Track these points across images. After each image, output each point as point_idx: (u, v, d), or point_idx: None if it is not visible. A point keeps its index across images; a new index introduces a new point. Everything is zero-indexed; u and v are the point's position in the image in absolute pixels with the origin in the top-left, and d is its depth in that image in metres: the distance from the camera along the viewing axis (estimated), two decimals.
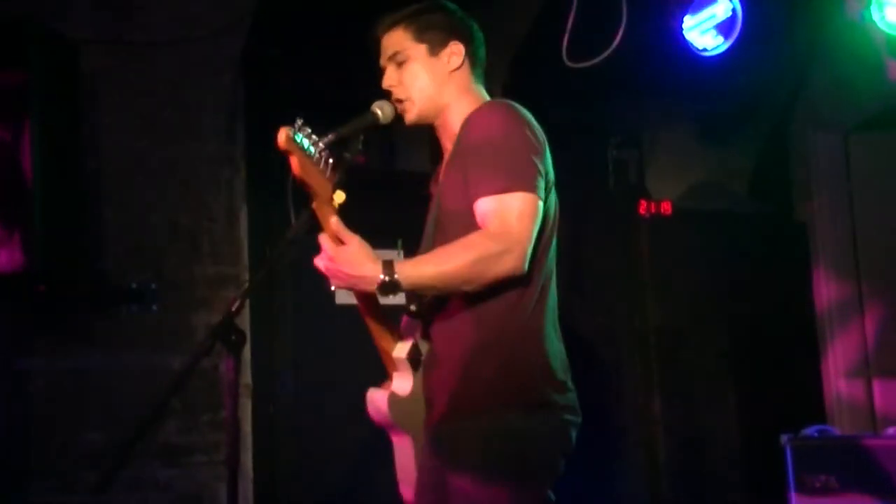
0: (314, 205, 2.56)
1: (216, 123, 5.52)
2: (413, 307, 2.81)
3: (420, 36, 2.83)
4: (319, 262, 2.62)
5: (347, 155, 2.68)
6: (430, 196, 2.97)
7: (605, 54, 4.90)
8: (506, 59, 6.07)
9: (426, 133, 3.03)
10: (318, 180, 2.55)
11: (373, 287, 2.51)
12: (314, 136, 2.64)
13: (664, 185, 7.18)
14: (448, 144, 2.87)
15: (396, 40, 2.84)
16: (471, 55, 2.89)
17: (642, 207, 6.80)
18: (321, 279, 7.62)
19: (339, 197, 2.72)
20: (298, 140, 2.47)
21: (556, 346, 2.67)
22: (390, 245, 7.05)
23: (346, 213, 2.81)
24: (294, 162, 2.49)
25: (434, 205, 2.80)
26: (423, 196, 3.04)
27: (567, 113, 6.39)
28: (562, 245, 2.79)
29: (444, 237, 2.66)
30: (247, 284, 5.23)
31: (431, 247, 2.70)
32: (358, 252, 2.56)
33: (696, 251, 6.88)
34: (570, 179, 3.32)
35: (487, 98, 2.92)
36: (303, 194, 2.69)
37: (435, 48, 2.84)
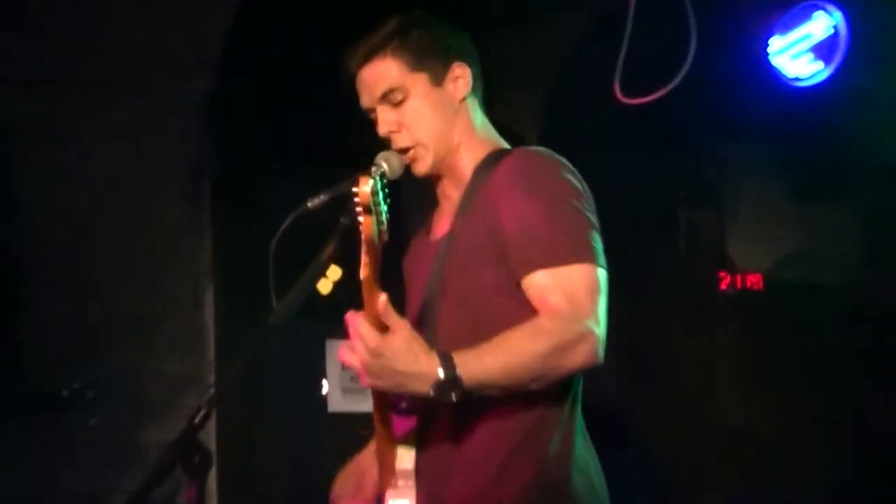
0: (364, 276, 2.54)
1: (177, 180, 5.61)
2: (404, 404, 2.83)
3: (417, 63, 2.83)
4: (350, 355, 2.56)
5: (344, 220, 2.72)
6: (417, 256, 3.01)
7: (670, 86, 4.96)
8: (535, 95, 6.17)
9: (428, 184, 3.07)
10: (377, 253, 2.53)
11: (426, 387, 2.44)
12: (383, 166, 2.70)
13: (751, 252, 7.19)
14: (453, 192, 2.91)
15: (385, 73, 2.84)
16: (474, 76, 2.93)
17: (723, 281, 6.81)
18: (308, 380, 7.57)
19: (334, 273, 2.76)
20: (381, 197, 2.44)
21: (590, 455, 2.71)
22: None
23: (344, 293, 2.86)
24: (367, 224, 2.46)
25: (432, 269, 2.81)
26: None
27: (622, 161, 6.46)
28: (617, 328, 2.82)
29: (463, 315, 2.68)
30: (213, 389, 5.25)
31: (433, 327, 2.72)
32: (409, 343, 2.48)
33: (793, 336, 6.86)
34: (626, 246, 3.35)
35: (497, 135, 2.98)
36: (288, 269, 2.73)
37: (437, 75, 2.85)
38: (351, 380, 6.90)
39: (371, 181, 2.38)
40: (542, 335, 2.55)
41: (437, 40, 2.93)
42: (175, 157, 5.61)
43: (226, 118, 5.84)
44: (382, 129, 2.93)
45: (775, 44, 5.77)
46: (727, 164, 7.13)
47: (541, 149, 2.88)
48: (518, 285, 2.70)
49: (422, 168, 2.95)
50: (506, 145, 3.02)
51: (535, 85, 6.12)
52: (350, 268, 2.73)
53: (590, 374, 2.76)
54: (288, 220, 2.78)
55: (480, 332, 2.65)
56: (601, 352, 2.63)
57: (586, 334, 2.58)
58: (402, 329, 2.50)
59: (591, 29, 6.03)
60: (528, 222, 2.68)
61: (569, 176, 2.79)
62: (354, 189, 2.39)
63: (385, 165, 2.81)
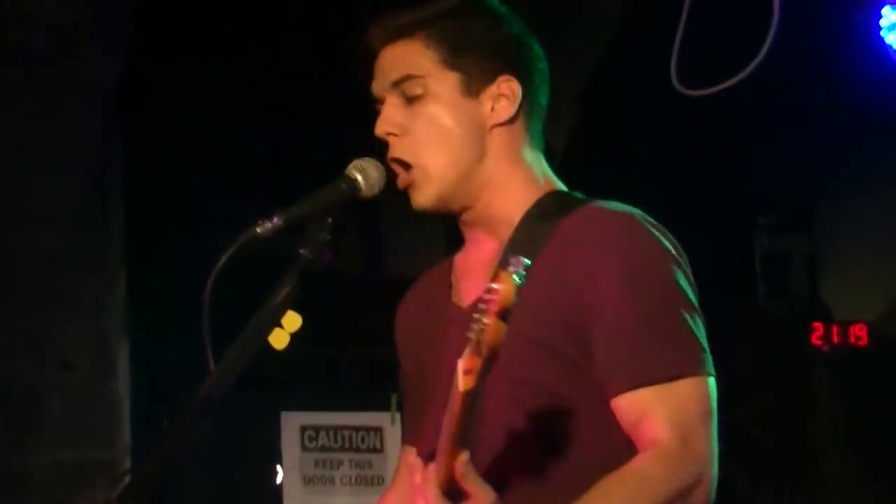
0: (465, 389, 2.53)
1: (74, 198, 5.64)
2: None
3: (452, 59, 2.86)
4: None
5: (305, 252, 2.70)
6: (443, 322, 2.98)
7: (747, 71, 4.97)
8: (572, 92, 6.23)
9: (437, 219, 3.06)
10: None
11: None
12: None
13: (854, 297, 7.23)
14: (487, 240, 2.88)
15: (411, 57, 2.87)
16: (528, 100, 2.88)
17: (817, 334, 6.85)
18: (258, 466, 7.59)
19: (292, 322, 2.77)
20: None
21: None
22: (379, 405, 7.06)
23: (306, 348, 2.88)
24: (499, 332, 2.42)
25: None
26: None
27: (681, 172, 6.50)
28: None
29: (518, 415, 2.65)
30: (129, 479, 5.26)
31: (477, 423, 2.70)
32: None
33: None
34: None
35: (554, 176, 2.96)
36: (229, 319, 2.74)
37: (474, 82, 2.87)
38: (315, 466, 6.92)
39: (515, 276, 2.32)
40: (653, 487, 2.60)
41: (491, 38, 2.90)
42: (74, 160, 5.63)
43: (142, 108, 5.87)
44: (380, 128, 2.89)
45: (888, 17, 5.83)
46: (823, 177, 7.18)
47: (633, 211, 2.82)
48: (602, 398, 2.69)
49: (421, 199, 2.90)
50: (562, 186, 3.00)
51: (564, 77, 6.16)
52: (312, 314, 2.74)
53: None
54: (229, 253, 2.76)
55: (540, 441, 2.68)
56: (713, 496, 2.69)
57: (703, 476, 2.66)
58: (487, 498, 2.49)
59: (639, 4, 6.10)
60: (623, 316, 2.67)
61: (669, 247, 2.80)
62: (494, 286, 2.32)
63: (360, 178, 2.80)
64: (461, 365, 2.43)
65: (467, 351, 2.41)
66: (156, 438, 5.40)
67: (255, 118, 6.43)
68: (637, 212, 2.86)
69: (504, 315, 2.34)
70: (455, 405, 2.45)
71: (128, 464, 5.51)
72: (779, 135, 6.71)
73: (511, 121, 2.92)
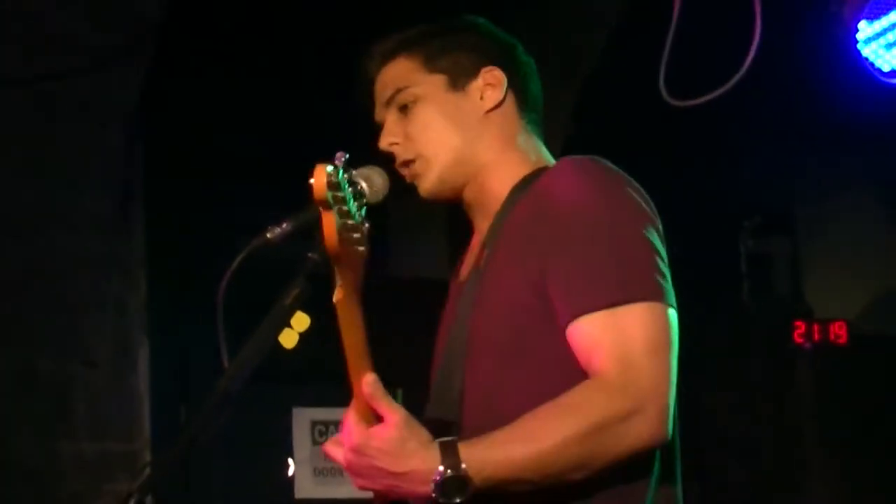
0: (338, 303, 2.52)
1: (99, 205, 5.64)
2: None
3: (433, 63, 2.92)
4: (336, 449, 2.59)
5: (313, 255, 2.71)
6: (447, 301, 2.99)
7: (730, 84, 4.99)
8: (566, 102, 6.22)
9: (439, 221, 3.08)
10: (355, 264, 2.51)
11: (426, 488, 2.43)
12: (361, 185, 2.64)
13: (834, 296, 7.23)
14: (483, 223, 2.90)
15: (396, 73, 2.93)
16: (517, 88, 2.92)
17: (799, 332, 6.84)
18: (271, 459, 7.58)
19: (301, 322, 2.78)
20: (344, 189, 2.41)
21: None
22: None
23: (315, 347, 2.88)
24: (328, 223, 2.43)
25: (457, 314, 2.80)
26: (434, 314, 3.07)
27: (669, 179, 6.49)
28: None
29: (497, 371, 2.66)
30: (149, 471, 5.26)
31: (461, 388, 2.70)
32: (403, 435, 2.47)
33: (889, 402, 6.88)
34: (677, 287, 3.34)
35: (551, 157, 2.96)
36: (242, 319, 2.75)
37: (459, 78, 2.93)
38: (326, 459, 6.90)
39: (323, 169, 2.37)
40: (579, 412, 2.51)
41: (468, 39, 2.95)
42: (97, 173, 5.63)
43: (163, 124, 5.86)
44: (383, 141, 2.93)
45: (864, 30, 5.82)
46: (803, 183, 7.17)
47: (591, 157, 2.85)
48: (562, 332, 2.64)
49: (424, 184, 2.93)
50: (553, 162, 3.01)
51: (561, 88, 6.16)
52: (320, 315, 2.74)
53: None
54: (241, 257, 2.77)
55: (521, 393, 2.63)
56: (667, 425, 2.52)
57: (641, 406, 2.52)
58: (393, 417, 2.48)
59: (629, 17, 6.09)
60: (569, 253, 2.62)
61: (631, 191, 2.77)
62: (310, 182, 2.39)
63: (365, 185, 2.82)
64: (337, 283, 2.49)
65: (335, 270, 2.48)
66: (175, 432, 5.41)
67: (269, 130, 6.44)
68: (603, 160, 2.85)
69: (326, 204, 2.39)
70: (339, 324, 2.48)
71: (148, 456, 5.51)
72: (762, 143, 6.71)
73: (501, 105, 2.95)
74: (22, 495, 5.35)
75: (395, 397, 3.05)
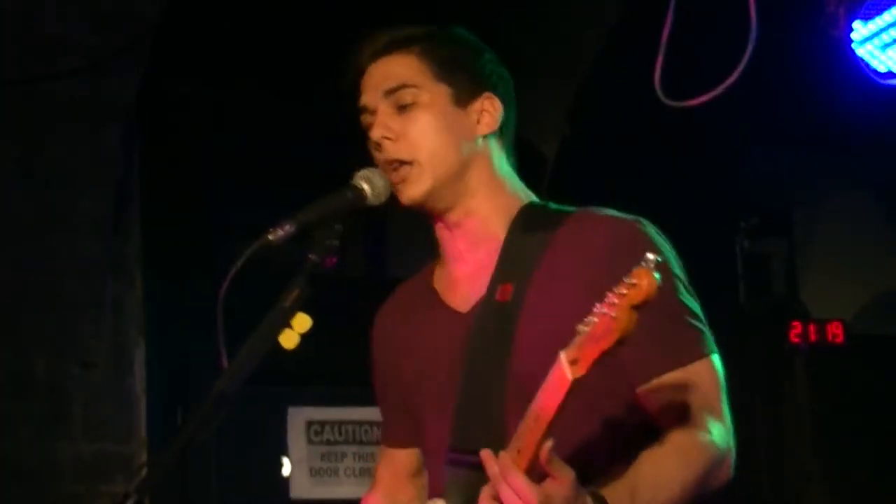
0: (574, 383, 2.63)
1: (95, 205, 5.63)
2: None
3: (444, 73, 2.92)
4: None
5: (313, 256, 2.70)
6: (435, 324, 2.99)
7: (726, 85, 4.98)
8: (562, 102, 6.22)
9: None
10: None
11: None
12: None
13: (831, 296, 7.23)
14: (471, 253, 2.88)
15: (405, 69, 2.92)
16: (506, 122, 2.98)
17: (795, 332, 6.84)
18: (267, 458, 7.53)
19: (301, 323, 2.77)
20: None
21: None
22: None
23: (311, 347, 2.87)
24: (630, 324, 2.56)
25: (470, 348, 2.78)
26: None
27: (666, 179, 6.49)
28: None
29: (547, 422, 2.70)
30: (146, 471, 5.26)
31: (501, 426, 2.71)
32: (575, 493, 2.56)
33: (880, 400, 6.89)
34: None
35: (527, 189, 3.01)
36: (241, 320, 2.74)
37: (462, 96, 2.93)
38: (321, 459, 6.91)
39: (655, 273, 2.43)
40: (696, 458, 2.71)
41: (475, 60, 2.97)
42: (95, 174, 5.62)
43: (160, 123, 5.86)
44: (376, 132, 2.91)
45: (859, 31, 5.82)
46: (799, 183, 7.17)
47: (639, 219, 2.88)
48: (629, 387, 2.76)
49: (413, 191, 2.92)
50: (535, 198, 3.02)
51: (556, 91, 6.17)
52: (321, 316, 2.74)
53: None
54: (243, 259, 2.76)
55: (573, 442, 2.70)
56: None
57: (728, 449, 2.79)
58: (568, 476, 2.53)
59: (627, 17, 6.09)
60: (650, 312, 2.72)
61: (670, 247, 2.88)
62: (633, 281, 2.45)
63: (366, 186, 2.81)
64: (565, 356, 2.48)
65: (576, 341, 2.48)
66: (171, 433, 5.40)
67: (265, 132, 6.43)
68: (643, 219, 2.93)
69: (639, 306, 2.43)
70: (557, 393, 2.50)
71: (144, 457, 5.51)
72: (758, 144, 6.71)
73: (492, 134, 2.96)
74: (19, 496, 5.35)
75: None
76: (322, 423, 6.96)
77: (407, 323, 3.11)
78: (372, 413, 2.79)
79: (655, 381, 2.76)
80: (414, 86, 2.89)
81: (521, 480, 2.55)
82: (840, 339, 6.85)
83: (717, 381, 2.82)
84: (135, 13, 5.57)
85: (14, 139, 5.54)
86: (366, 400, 3.00)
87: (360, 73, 2.97)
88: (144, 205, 5.80)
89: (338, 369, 7.11)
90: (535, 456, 2.53)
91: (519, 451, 2.55)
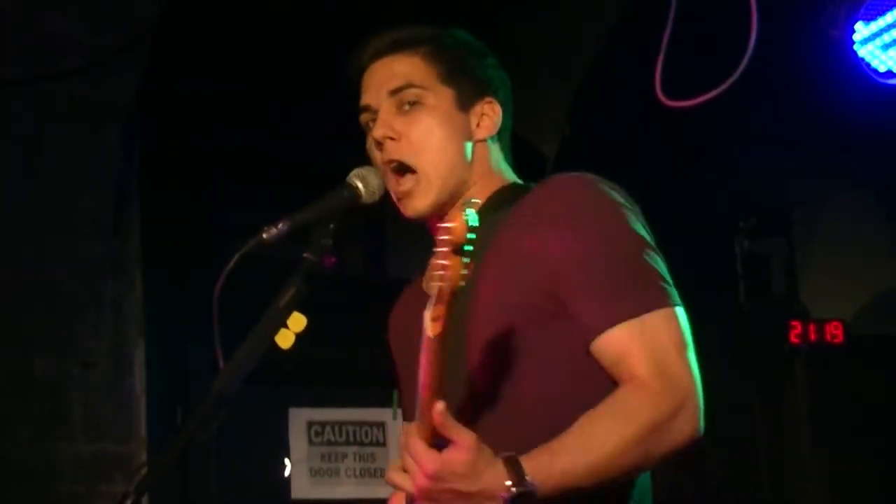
0: (437, 338, 2.56)
1: (95, 205, 5.63)
2: None
3: (450, 76, 2.94)
4: (402, 477, 2.62)
5: (309, 255, 2.70)
6: (403, 308, 3.01)
7: (727, 84, 4.99)
8: (562, 102, 6.22)
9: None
10: (453, 306, 2.57)
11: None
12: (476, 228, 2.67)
13: (830, 296, 7.22)
14: None
15: (411, 69, 2.93)
16: (505, 124, 3.03)
17: (795, 332, 6.84)
18: (267, 459, 7.53)
19: (297, 322, 2.76)
20: (474, 236, 2.48)
21: None
22: (381, 401, 7.07)
23: (311, 348, 2.87)
24: (455, 267, 2.47)
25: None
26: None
27: (666, 179, 6.49)
28: None
29: (502, 384, 2.67)
30: (145, 471, 5.25)
31: (458, 398, 2.71)
32: (475, 457, 2.52)
33: (880, 400, 6.88)
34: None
35: (512, 172, 3.01)
36: (238, 319, 2.74)
37: (465, 99, 2.95)
38: (322, 459, 6.91)
39: (468, 213, 2.39)
40: (631, 416, 2.61)
41: (478, 65, 2.99)
42: (94, 174, 5.62)
43: (160, 123, 5.86)
44: (378, 131, 2.92)
45: (861, 32, 5.82)
46: (799, 183, 7.16)
47: (582, 174, 2.86)
48: (582, 348, 2.71)
49: (420, 204, 2.93)
50: (520, 182, 3.04)
51: (553, 89, 6.17)
52: (321, 316, 2.74)
53: None
54: (237, 257, 2.77)
55: (528, 401, 2.70)
56: (702, 422, 2.68)
57: (682, 405, 2.66)
58: (466, 441, 2.52)
59: (627, 17, 6.08)
60: (589, 266, 2.70)
61: (620, 198, 2.82)
62: (447, 225, 2.41)
63: (360, 185, 2.82)
64: (428, 314, 2.49)
65: (431, 300, 2.47)
66: (171, 433, 5.40)
67: (265, 132, 6.43)
68: (587, 174, 2.91)
69: (459, 251, 2.40)
70: (426, 354, 2.50)
71: (144, 457, 5.51)
72: (758, 144, 6.70)
73: (492, 138, 2.96)
74: (19, 496, 5.35)
75: (390, 397, 3.06)
76: (323, 424, 6.96)
77: (409, 320, 3.12)
78: (372, 414, 2.79)
79: (606, 335, 2.69)
80: (420, 86, 2.90)
81: (418, 447, 2.54)
82: (840, 339, 6.85)
83: (675, 333, 2.71)
84: (135, 13, 5.56)
85: (14, 139, 5.54)
86: (366, 400, 3.01)
87: (361, 71, 2.99)
88: (144, 205, 5.80)
89: (339, 370, 7.13)
90: (432, 422, 2.51)
91: (421, 421, 2.54)
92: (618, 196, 2.80)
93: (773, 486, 6.87)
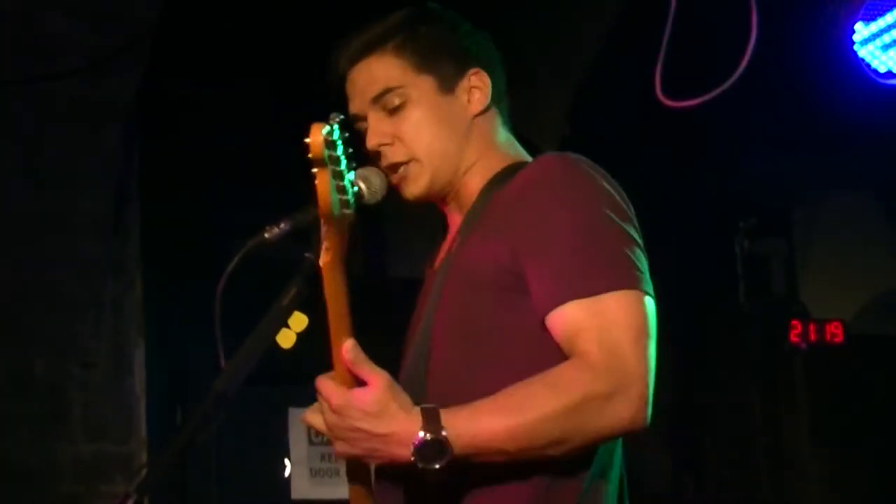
0: (325, 266, 2.55)
1: (95, 206, 5.63)
2: (373, 480, 2.81)
3: (424, 63, 2.91)
4: (316, 416, 2.65)
5: (310, 255, 2.70)
6: (422, 290, 3.00)
7: (727, 85, 4.99)
8: (562, 102, 6.22)
9: (435, 221, 3.06)
10: (343, 227, 2.55)
11: (406, 451, 2.45)
12: (350, 149, 2.63)
13: (830, 296, 7.22)
14: (458, 216, 2.91)
15: (384, 71, 2.90)
16: (495, 88, 2.95)
17: (795, 332, 6.84)
18: (267, 459, 7.55)
19: (298, 322, 2.77)
20: (338, 149, 2.46)
21: None
22: None
23: (312, 347, 2.86)
24: (323, 181, 2.46)
25: (428, 304, 2.80)
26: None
27: (666, 180, 6.49)
28: (662, 391, 2.79)
29: (462, 362, 2.67)
30: (145, 471, 5.26)
31: (424, 375, 2.71)
32: (386, 397, 2.51)
33: (880, 400, 6.89)
34: (671, 290, 3.36)
35: (524, 153, 2.98)
36: (239, 319, 2.73)
37: (447, 80, 2.92)
38: (322, 460, 6.91)
39: (326, 127, 2.42)
40: (563, 388, 2.54)
41: (452, 39, 2.94)
42: (93, 175, 5.62)
43: (160, 123, 5.86)
44: (372, 141, 2.92)
45: (861, 32, 5.82)
46: (799, 184, 7.16)
47: (567, 153, 2.85)
48: (541, 325, 2.69)
49: (414, 188, 2.94)
50: (528, 159, 3.03)
51: (552, 90, 6.17)
52: (318, 315, 2.73)
53: (630, 443, 2.74)
54: (238, 256, 2.76)
55: (486, 369, 2.66)
56: (647, 411, 2.57)
57: (624, 388, 2.56)
58: (376, 380, 2.51)
59: (626, 18, 6.09)
60: (551, 241, 2.66)
61: (602, 182, 2.80)
62: (305, 141, 2.44)
63: (362, 185, 2.82)
64: (323, 246, 2.55)
65: (323, 231, 2.54)
66: (171, 433, 5.40)
67: (265, 132, 6.43)
68: (579, 155, 2.89)
69: (321, 162, 2.44)
70: (325, 288, 2.54)
71: (144, 457, 5.51)
72: (758, 144, 6.70)
73: (485, 110, 2.95)
74: (18, 496, 5.35)
75: None
76: None
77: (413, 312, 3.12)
78: None
79: (559, 310, 2.63)
80: (398, 86, 2.89)
81: (326, 384, 2.57)
82: (839, 338, 6.85)
83: (635, 318, 2.63)
84: (135, 13, 5.56)
85: (14, 139, 5.54)
86: None
87: (342, 80, 2.98)
88: (144, 205, 5.80)
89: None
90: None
91: (336, 363, 2.57)
92: (601, 181, 2.76)
93: (773, 486, 6.88)
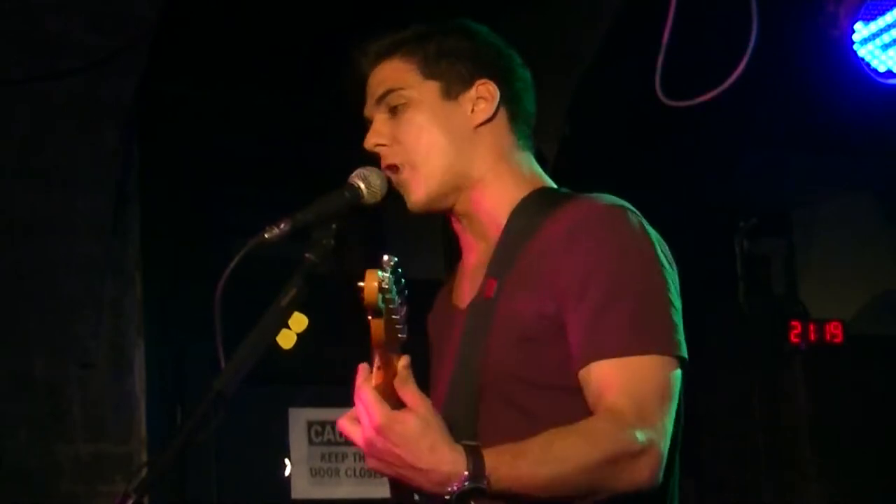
0: (377, 388, 2.52)
1: (94, 206, 5.63)
2: (417, 497, 2.77)
3: (429, 68, 2.89)
4: (352, 427, 2.60)
5: (310, 255, 2.69)
6: (443, 326, 2.98)
7: (726, 85, 4.98)
8: (562, 102, 6.21)
9: (436, 223, 3.05)
10: (396, 347, 2.53)
11: (443, 489, 2.46)
12: (400, 273, 2.60)
13: (830, 297, 7.21)
14: (478, 242, 2.88)
15: (391, 73, 2.90)
16: (509, 102, 2.89)
17: (795, 332, 6.84)
18: (267, 459, 7.54)
19: (298, 322, 2.76)
20: (392, 293, 2.44)
21: None
22: None
23: (311, 347, 2.87)
24: (377, 329, 2.45)
25: (461, 346, 2.77)
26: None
27: (665, 181, 6.48)
28: None
29: (511, 413, 2.65)
30: (145, 472, 5.24)
31: (473, 423, 2.68)
32: (427, 427, 2.49)
33: (884, 401, 6.88)
34: None
35: (543, 175, 2.95)
36: (239, 319, 2.73)
37: (452, 87, 2.90)
38: (322, 459, 6.91)
39: (379, 274, 2.40)
40: (599, 440, 2.56)
41: (466, 49, 2.92)
42: (92, 175, 5.62)
43: (158, 123, 5.85)
44: (370, 141, 2.89)
45: (860, 32, 5.82)
46: (799, 184, 7.16)
47: (615, 200, 2.80)
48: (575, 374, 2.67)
49: (415, 198, 2.89)
50: (552, 184, 3.00)
51: (553, 90, 6.16)
52: (318, 315, 2.73)
53: None
54: (238, 257, 2.75)
55: (531, 427, 2.63)
56: (660, 472, 2.59)
57: (650, 447, 2.58)
58: (420, 407, 2.49)
59: (625, 15, 6.08)
60: (601, 300, 2.66)
61: (659, 249, 2.78)
62: (360, 284, 2.42)
63: (362, 185, 2.80)
64: (374, 364, 2.51)
65: (374, 352, 2.50)
66: (171, 433, 5.40)
67: (265, 132, 6.43)
68: (625, 203, 2.84)
69: (376, 312, 2.42)
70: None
71: (144, 457, 5.51)
72: (758, 144, 6.70)
73: (492, 120, 2.92)
74: (18, 496, 5.34)
75: None
76: (323, 424, 6.95)
77: (436, 324, 3.11)
78: None
79: (591, 367, 2.64)
80: (400, 87, 2.87)
81: (369, 395, 2.52)
82: (839, 339, 6.86)
83: (659, 384, 2.65)
84: (134, 13, 5.55)
85: (13, 139, 5.53)
86: None
87: (362, 83, 2.96)
88: (143, 205, 5.80)
89: (339, 370, 7.13)
90: (392, 374, 2.50)
91: (378, 368, 2.53)
92: (652, 236, 2.75)
93: (774, 486, 6.88)
